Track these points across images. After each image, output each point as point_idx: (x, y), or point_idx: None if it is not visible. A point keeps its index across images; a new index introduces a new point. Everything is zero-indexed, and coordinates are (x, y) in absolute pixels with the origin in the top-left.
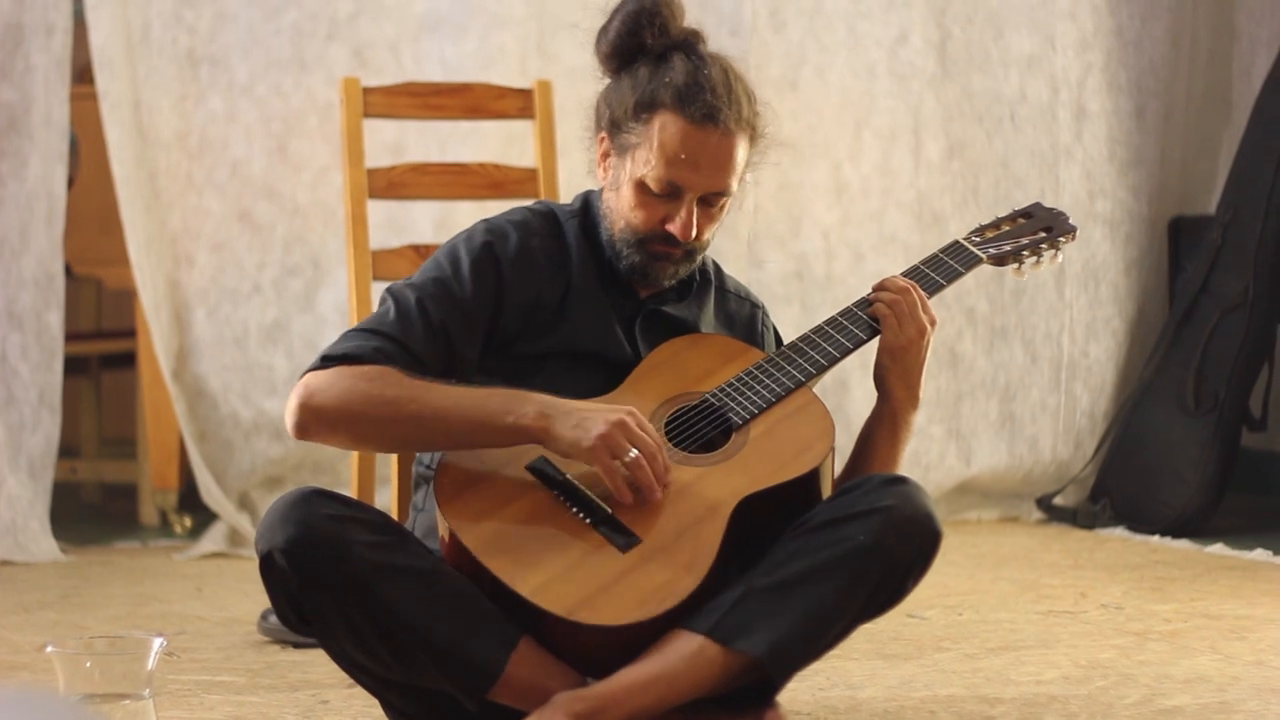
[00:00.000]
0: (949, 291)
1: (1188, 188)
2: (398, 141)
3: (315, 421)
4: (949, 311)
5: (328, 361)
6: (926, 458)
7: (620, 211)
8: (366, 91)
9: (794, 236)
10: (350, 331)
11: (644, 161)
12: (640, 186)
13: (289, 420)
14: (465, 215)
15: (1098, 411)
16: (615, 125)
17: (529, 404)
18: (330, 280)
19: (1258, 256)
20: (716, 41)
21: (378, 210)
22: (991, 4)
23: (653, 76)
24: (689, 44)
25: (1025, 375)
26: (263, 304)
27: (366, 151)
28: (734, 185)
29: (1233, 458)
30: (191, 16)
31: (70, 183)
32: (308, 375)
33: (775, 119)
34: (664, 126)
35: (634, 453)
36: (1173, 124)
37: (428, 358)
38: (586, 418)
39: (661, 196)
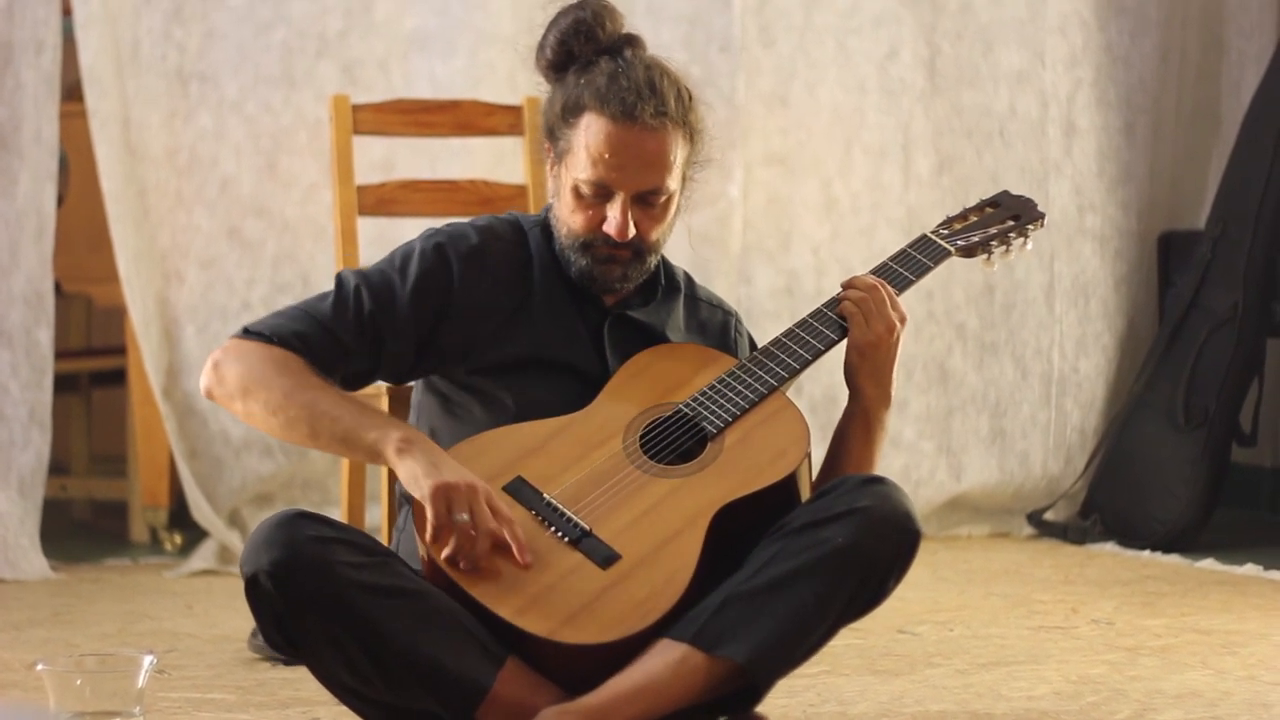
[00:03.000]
0: (939, 306)
1: (1177, 203)
2: (387, 159)
3: (217, 386)
4: (939, 327)
5: (248, 334)
6: (917, 473)
7: (562, 218)
8: (356, 109)
9: (784, 252)
10: (285, 309)
11: (575, 165)
12: (575, 191)
13: (201, 380)
14: None
15: (1088, 427)
16: (551, 133)
17: (398, 430)
18: None
19: (1247, 272)
20: (707, 58)
21: (367, 227)
22: (981, 20)
23: (578, 82)
24: (616, 48)
25: (1015, 391)
26: (252, 321)
27: (356, 168)
28: (668, 182)
29: (1223, 473)
30: (181, 34)
31: (60, 200)
32: (229, 341)
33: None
34: (588, 127)
35: (464, 517)
36: (1162, 139)
37: (354, 346)
38: (440, 464)
39: (595, 198)
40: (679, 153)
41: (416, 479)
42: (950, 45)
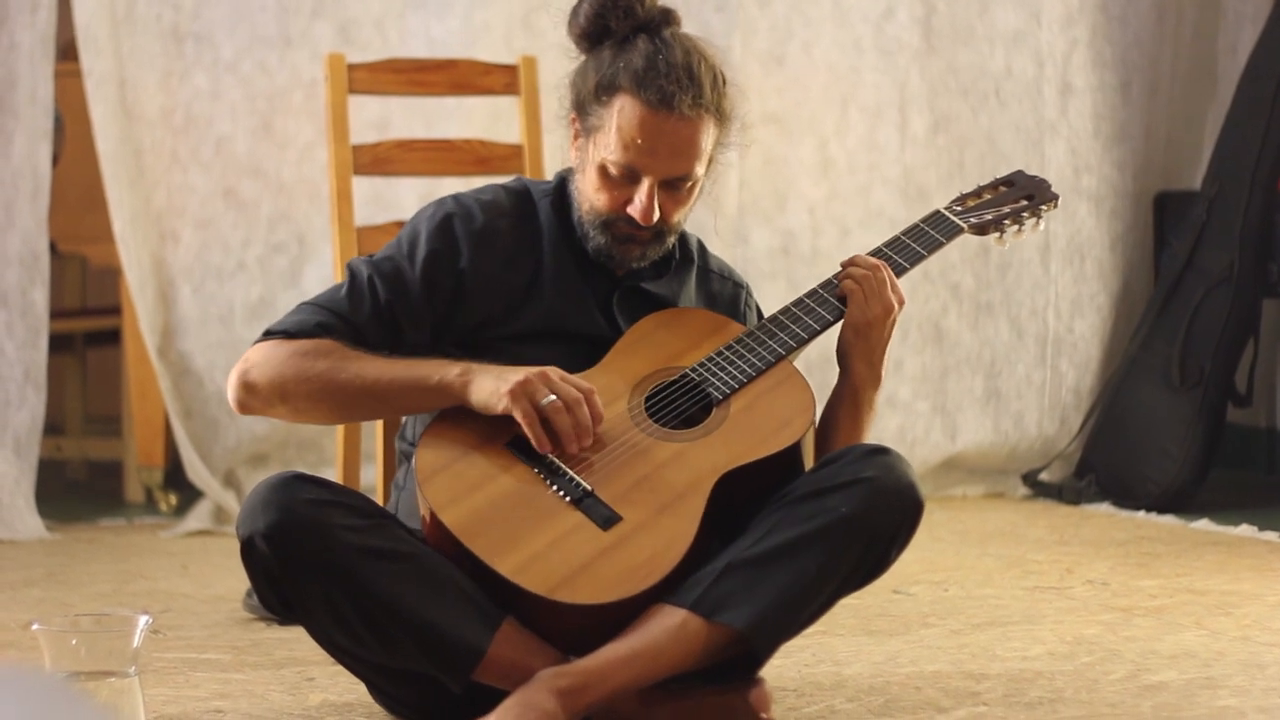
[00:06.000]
0: (934, 266)
1: (1173, 163)
2: (383, 118)
3: (250, 397)
4: (934, 287)
5: (270, 336)
6: (912, 433)
7: (585, 194)
8: (351, 68)
9: (780, 212)
10: (301, 305)
11: (604, 145)
12: (601, 170)
13: (230, 395)
14: (450, 191)
15: (1083, 387)
16: (581, 107)
17: (455, 365)
18: (315, 257)
19: (1243, 232)
20: (702, 17)
21: (363, 187)
22: None
23: (614, 59)
24: (654, 26)
25: (1011, 351)
26: (248, 281)
27: (351, 128)
28: (697, 169)
29: (1218, 433)
30: None
31: (55, 160)
32: (250, 350)
33: (747, 99)
34: (622, 110)
35: (551, 397)
36: (1158, 99)
37: (373, 336)
38: (506, 372)
39: (622, 180)
40: (710, 140)
41: (491, 399)
42: (946, 4)
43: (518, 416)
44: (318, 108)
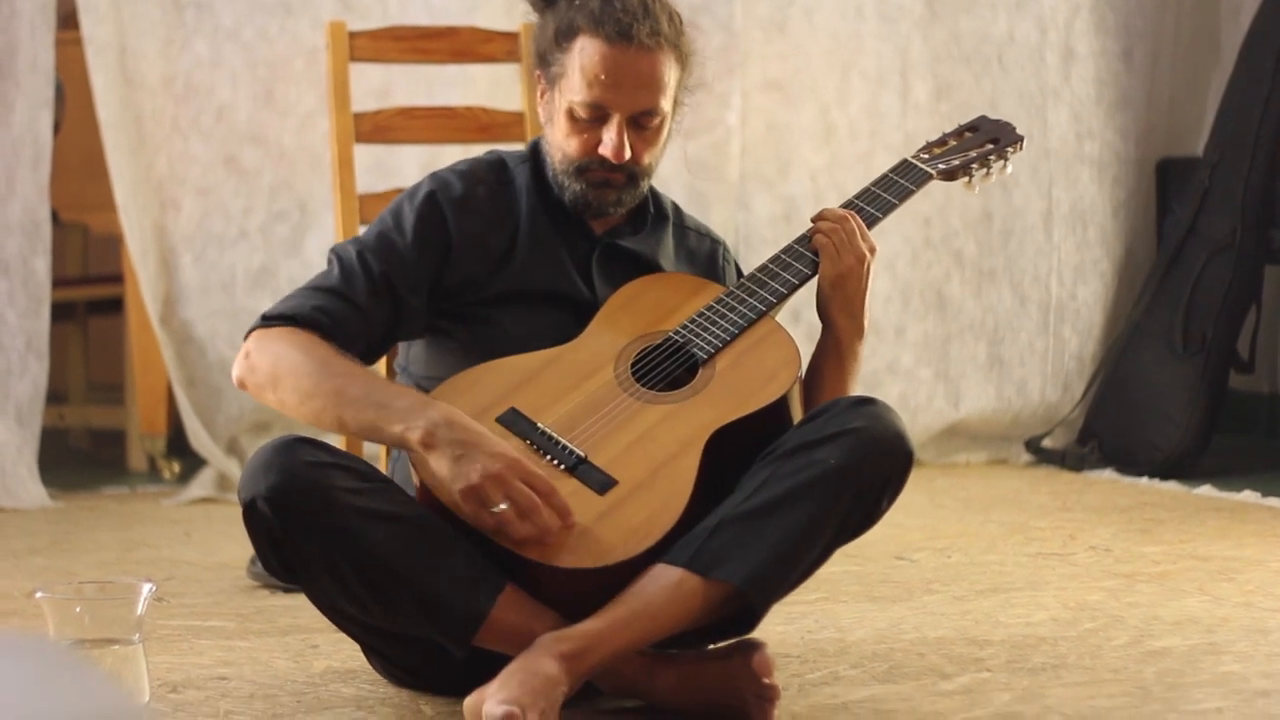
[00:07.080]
0: (936, 233)
1: (1175, 129)
2: (384, 85)
3: (250, 376)
4: (936, 253)
5: (268, 321)
6: (915, 400)
7: (556, 143)
8: (353, 36)
9: (782, 179)
10: (296, 290)
11: (569, 89)
12: (569, 114)
13: (234, 373)
14: (452, 159)
15: (1086, 354)
16: (543, 59)
17: (424, 419)
18: (317, 225)
19: (1245, 198)
20: None
21: (364, 155)
22: None
23: (570, 5)
24: None
25: (1013, 318)
26: (249, 249)
27: (353, 96)
28: (663, 104)
29: (1220, 399)
30: None
31: (56, 128)
32: (254, 333)
33: (748, 66)
34: (583, 50)
35: (503, 506)
36: (1160, 65)
37: (372, 310)
38: (465, 457)
39: (590, 121)
40: (672, 75)
41: (445, 484)
42: None
43: (468, 520)
44: (319, 75)
